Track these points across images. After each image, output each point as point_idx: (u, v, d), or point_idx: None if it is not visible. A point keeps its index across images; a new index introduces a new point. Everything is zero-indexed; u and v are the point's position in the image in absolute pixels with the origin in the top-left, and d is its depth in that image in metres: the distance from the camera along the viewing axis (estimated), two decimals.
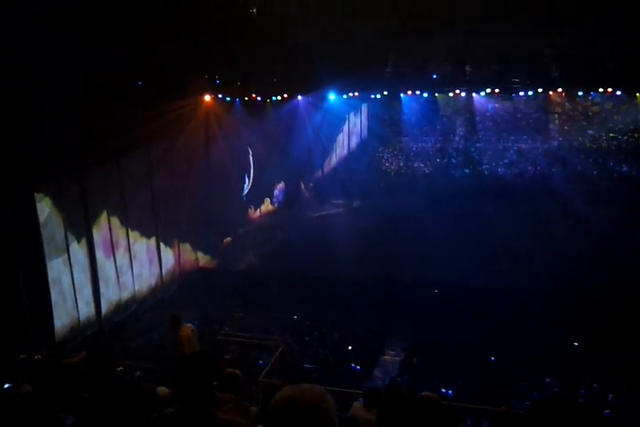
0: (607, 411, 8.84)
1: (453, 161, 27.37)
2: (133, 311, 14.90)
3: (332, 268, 16.54)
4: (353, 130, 28.71)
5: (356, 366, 11.64)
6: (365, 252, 17.02)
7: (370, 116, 29.27)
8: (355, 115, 28.47)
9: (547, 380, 10.73)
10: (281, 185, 23.62)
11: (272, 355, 11.85)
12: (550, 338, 12.20)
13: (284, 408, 1.93)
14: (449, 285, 15.27)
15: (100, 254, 13.76)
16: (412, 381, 10.84)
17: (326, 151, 26.05)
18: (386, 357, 12.88)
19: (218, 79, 18.07)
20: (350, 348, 12.58)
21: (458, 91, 20.77)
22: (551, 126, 27.24)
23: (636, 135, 25.34)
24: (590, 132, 26.21)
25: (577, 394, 10.01)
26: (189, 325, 8.86)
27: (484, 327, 12.81)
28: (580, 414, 2.08)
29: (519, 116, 27.50)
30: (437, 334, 13.15)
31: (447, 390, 10.00)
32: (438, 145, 28.52)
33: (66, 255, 12.66)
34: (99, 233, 13.76)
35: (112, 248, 14.21)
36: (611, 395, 9.77)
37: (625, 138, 25.55)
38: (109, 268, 14.15)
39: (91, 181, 13.40)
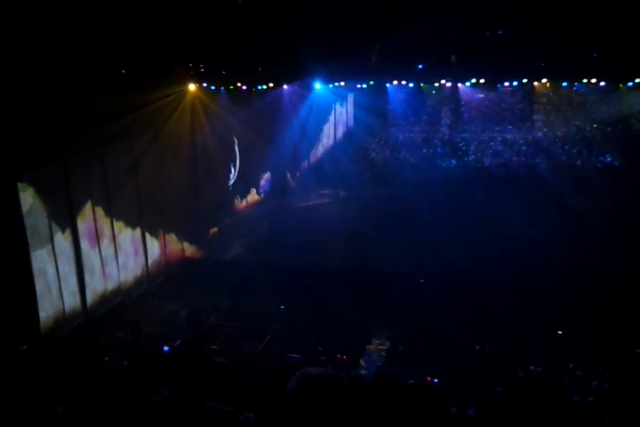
0: (590, 398, 8.97)
1: (439, 151, 27.43)
2: (119, 302, 14.82)
3: (319, 258, 16.56)
4: (339, 120, 28.65)
5: (342, 356, 11.69)
6: (351, 242, 17.05)
7: (356, 106, 29.18)
8: (341, 105, 28.40)
9: (531, 368, 10.85)
10: (267, 175, 23.55)
11: (259, 345, 11.89)
12: (536, 326, 12.35)
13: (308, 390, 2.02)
14: (435, 274, 15.37)
15: (84, 245, 13.64)
16: (397, 370, 10.92)
17: (312, 141, 25.98)
18: (371, 346, 12.95)
19: (202, 68, 17.89)
20: (337, 337, 12.64)
21: (443, 81, 20.81)
22: (536, 117, 27.37)
23: (619, 126, 25.56)
24: (575, 122, 26.39)
25: (561, 381, 10.15)
26: (149, 329, 8.75)
27: (470, 316, 12.95)
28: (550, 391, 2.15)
29: (504, 106, 27.60)
30: (423, 323, 13.26)
31: (433, 379, 10.09)
32: (424, 135, 28.54)
33: (50, 246, 12.54)
34: (83, 223, 13.64)
35: (97, 238, 14.10)
36: (594, 382, 9.92)
37: (609, 128, 25.77)
38: (94, 258, 14.05)
39: (74, 170, 13.25)
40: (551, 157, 25.04)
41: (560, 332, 12.19)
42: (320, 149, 27.00)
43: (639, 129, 25.03)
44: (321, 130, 26.87)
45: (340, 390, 2.00)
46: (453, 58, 19.16)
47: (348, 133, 29.19)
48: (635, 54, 16.10)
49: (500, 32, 18.73)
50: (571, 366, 10.92)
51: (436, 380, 9.94)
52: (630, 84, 20.17)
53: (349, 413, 1.99)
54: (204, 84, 17.95)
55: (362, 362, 12.20)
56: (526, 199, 19.81)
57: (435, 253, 16.23)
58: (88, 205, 13.79)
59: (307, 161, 25.82)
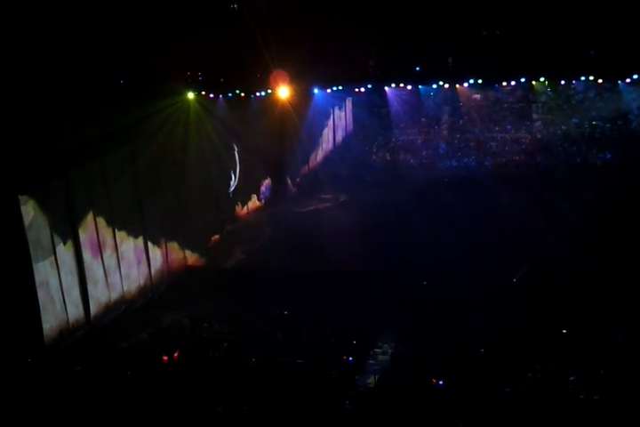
0: (597, 397, 8.95)
1: (439, 153, 27.44)
2: (123, 312, 14.82)
3: (322, 263, 16.54)
4: (338, 124, 28.69)
5: (348, 359, 11.65)
6: (353, 246, 17.00)
7: (355, 110, 29.24)
8: (340, 109, 28.45)
9: (537, 367, 10.79)
10: (267, 181, 23.58)
11: (264, 351, 11.85)
12: (540, 326, 12.30)
13: None
14: (438, 276, 15.33)
15: (87, 255, 13.67)
16: (403, 372, 10.89)
17: (312, 146, 26.02)
18: (377, 349, 12.91)
19: (200, 76, 17.97)
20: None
21: (441, 82, 20.86)
22: (535, 115, 27.36)
23: (618, 122, 25.53)
24: (574, 120, 26.37)
25: (566, 380, 10.10)
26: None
27: (473, 318, 12.90)
28: None
29: (503, 106, 27.63)
30: (427, 325, 13.20)
31: (438, 381, 10.04)
32: (424, 137, 28.56)
33: (52, 257, 12.58)
34: (85, 234, 13.67)
35: (99, 249, 14.12)
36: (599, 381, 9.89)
37: (608, 126, 25.74)
38: (97, 269, 14.07)
39: (75, 182, 13.31)
40: (551, 155, 25.04)
41: (565, 331, 12.13)
42: (320, 154, 27.03)
43: (637, 126, 24.99)
44: (320, 134, 26.92)
45: None
46: (450, 59, 19.20)
47: (348, 137, 29.23)
48: (631, 51, 16.11)
49: (498, 32, 18.79)
50: (578, 363, 10.86)
51: (440, 382, 9.90)
52: (628, 80, 20.16)
53: None
54: (203, 92, 18.02)
55: (367, 365, 12.16)
56: (528, 198, 19.76)
57: (437, 255, 16.20)
58: (89, 216, 13.82)
59: (307, 166, 25.85)
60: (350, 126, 29.76)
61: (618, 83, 22.16)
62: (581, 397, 9.12)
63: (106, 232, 14.37)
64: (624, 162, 23.28)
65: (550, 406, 8.88)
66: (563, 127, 26.45)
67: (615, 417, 8.27)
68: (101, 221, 14.17)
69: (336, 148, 28.25)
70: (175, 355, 11.28)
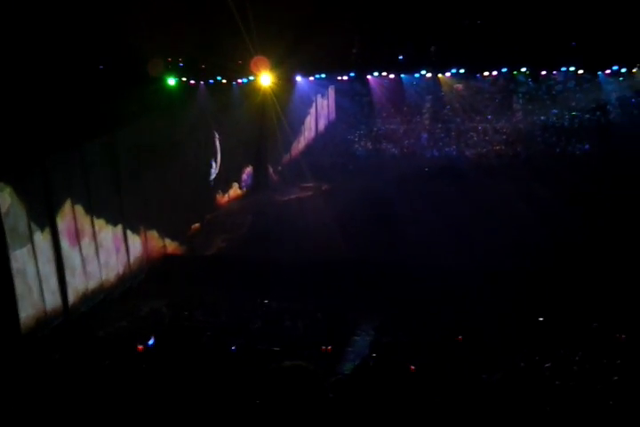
0: (572, 382, 9.13)
1: (421, 142, 27.51)
2: (101, 300, 14.71)
3: (303, 251, 16.55)
4: (320, 112, 28.57)
5: (326, 348, 11.72)
6: (335, 234, 17.05)
7: (337, 99, 29.15)
8: (322, 97, 28.33)
9: (514, 354, 10.95)
10: (249, 169, 23.46)
11: (245, 340, 11.88)
12: (518, 314, 12.48)
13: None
14: (419, 265, 15.45)
15: (65, 244, 13.50)
16: (382, 360, 10.98)
17: (294, 134, 25.90)
18: (357, 337, 13.01)
19: (181, 62, 17.74)
20: (322, 329, 12.67)
21: (424, 72, 20.87)
22: (516, 106, 27.52)
23: (597, 113, 25.81)
24: (554, 110, 26.58)
25: (543, 367, 10.28)
26: None
27: (453, 306, 13.05)
28: None
29: (485, 96, 27.72)
30: (407, 313, 13.32)
31: (415, 368, 10.15)
32: (406, 126, 28.59)
33: (30, 245, 12.40)
34: (63, 222, 13.49)
35: (77, 237, 13.95)
36: (575, 367, 10.07)
37: (587, 116, 26.01)
38: (75, 257, 13.91)
39: (53, 169, 13.10)
40: (531, 145, 25.26)
41: (541, 319, 12.33)
42: (302, 142, 26.92)
43: (616, 117, 25.29)
44: (302, 123, 26.79)
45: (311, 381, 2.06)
46: (433, 48, 19.21)
47: (330, 126, 29.14)
48: (612, 42, 16.26)
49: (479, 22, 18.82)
50: (556, 352, 11.04)
51: (416, 368, 10.00)
52: (608, 71, 20.39)
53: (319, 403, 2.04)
54: (184, 79, 17.80)
55: (347, 353, 12.25)
56: (508, 188, 19.93)
57: (418, 245, 16.30)
58: (68, 204, 13.63)
59: (289, 154, 25.75)
60: (333, 115, 29.68)
61: (598, 74, 22.37)
62: (557, 383, 9.29)
63: (84, 220, 14.20)
64: (602, 152, 23.58)
65: (525, 391, 9.05)
66: (542, 118, 26.67)
67: (591, 404, 8.43)
68: (79, 208, 13.99)
69: (318, 136, 28.16)
70: (150, 343, 11.26)
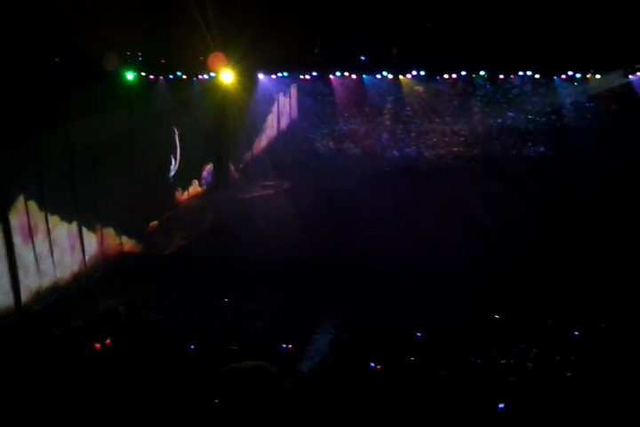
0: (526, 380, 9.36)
1: (382, 142, 27.76)
2: (56, 299, 14.32)
3: (263, 249, 16.47)
4: (283, 111, 28.51)
5: (287, 346, 11.70)
6: (296, 232, 17.05)
7: (300, 97, 29.14)
8: (284, 95, 28.27)
9: (472, 352, 11.14)
10: (209, 166, 23.21)
11: (203, 339, 11.74)
12: (475, 311, 12.72)
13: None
14: (379, 263, 15.58)
15: (17, 241, 13.09)
16: (343, 358, 11.03)
17: (256, 132, 25.78)
18: (317, 335, 13.03)
19: (140, 56, 17.43)
20: (282, 328, 12.64)
21: (385, 73, 21.07)
22: (474, 108, 28.03)
23: (552, 117, 26.54)
24: (510, 114, 27.20)
25: (499, 364, 10.49)
26: None
27: (414, 304, 13.21)
28: None
29: (445, 98, 28.13)
30: (369, 311, 13.41)
31: (375, 365, 10.25)
32: (367, 126, 28.80)
33: None
34: (16, 219, 13.07)
35: (30, 234, 13.55)
36: (529, 364, 10.32)
37: (542, 120, 26.72)
38: (28, 255, 13.49)
39: (6, 164, 12.66)
40: (488, 147, 25.81)
41: (497, 316, 12.58)
42: (264, 140, 26.81)
43: (571, 120, 26.05)
44: (264, 120, 26.69)
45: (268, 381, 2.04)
46: (395, 50, 19.40)
47: (292, 124, 29.11)
48: (568, 48, 16.75)
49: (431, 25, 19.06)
50: (514, 349, 11.28)
51: (378, 366, 10.10)
52: (563, 76, 20.99)
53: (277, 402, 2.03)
54: (143, 73, 17.48)
55: (307, 352, 12.25)
56: (464, 189, 20.33)
57: (378, 243, 16.45)
58: (20, 200, 13.21)
59: (250, 152, 25.61)
60: (295, 113, 29.66)
61: (554, 78, 23.00)
62: (511, 379, 9.53)
63: (38, 217, 13.79)
64: (557, 154, 24.29)
65: (482, 387, 9.25)
66: (499, 120, 27.28)
67: (546, 400, 8.66)
68: (33, 205, 13.57)
69: (280, 134, 28.10)
70: (107, 342, 11.05)
